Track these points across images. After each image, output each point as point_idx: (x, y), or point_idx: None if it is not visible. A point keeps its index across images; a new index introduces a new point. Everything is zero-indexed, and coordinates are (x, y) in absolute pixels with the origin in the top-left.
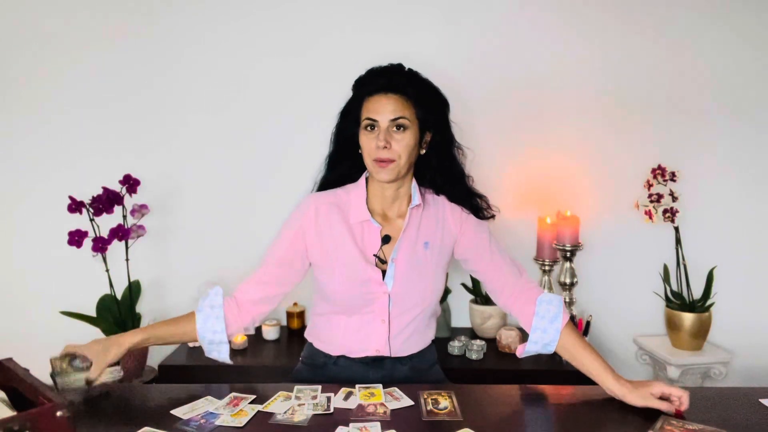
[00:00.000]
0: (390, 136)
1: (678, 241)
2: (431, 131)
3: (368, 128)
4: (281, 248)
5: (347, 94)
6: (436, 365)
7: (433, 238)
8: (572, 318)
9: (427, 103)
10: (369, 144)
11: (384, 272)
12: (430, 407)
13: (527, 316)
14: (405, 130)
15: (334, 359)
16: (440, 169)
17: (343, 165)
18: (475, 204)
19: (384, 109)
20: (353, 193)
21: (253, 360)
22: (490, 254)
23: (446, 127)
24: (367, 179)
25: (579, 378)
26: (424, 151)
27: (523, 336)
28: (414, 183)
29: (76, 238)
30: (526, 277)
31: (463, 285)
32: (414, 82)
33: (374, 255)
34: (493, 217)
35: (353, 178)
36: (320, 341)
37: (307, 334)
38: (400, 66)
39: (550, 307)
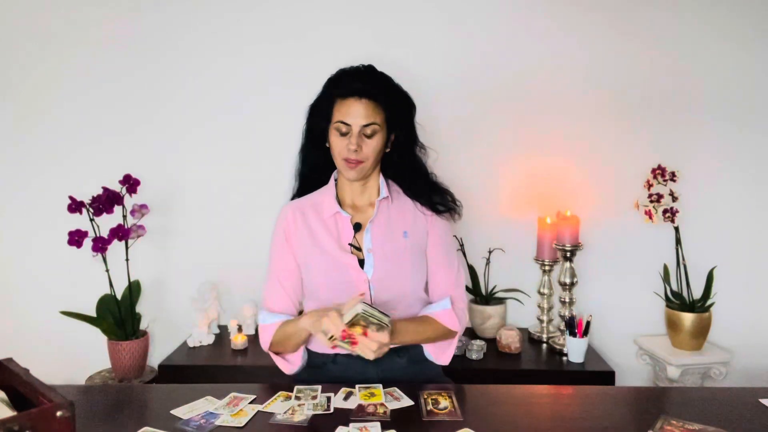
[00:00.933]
0: (361, 140)
1: (678, 241)
2: (396, 132)
3: (340, 131)
4: (277, 253)
5: None
6: None
7: (410, 227)
8: (572, 318)
9: (396, 108)
10: (340, 145)
11: (362, 261)
12: (430, 407)
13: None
14: (375, 135)
15: (331, 358)
16: (402, 165)
17: (316, 156)
18: (434, 199)
19: (357, 114)
20: (326, 193)
21: (253, 360)
22: (440, 255)
23: (411, 128)
24: (336, 180)
25: (579, 378)
26: (389, 149)
27: (523, 336)
28: (381, 177)
29: (76, 238)
30: (455, 297)
31: None
32: (386, 88)
33: (349, 244)
34: (452, 210)
35: (326, 173)
36: (314, 343)
37: None
38: (372, 69)
39: (434, 305)
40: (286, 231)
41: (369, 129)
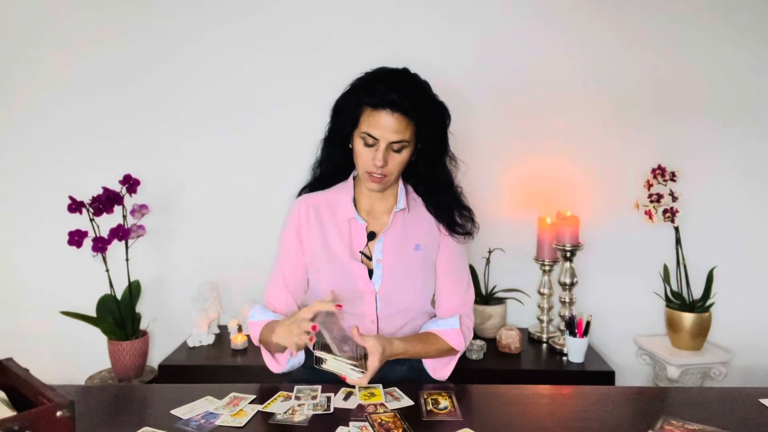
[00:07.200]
0: (388, 155)
1: (678, 241)
2: (425, 143)
3: (366, 141)
4: (285, 248)
5: None
6: None
7: (423, 240)
8: (572, 318)
9: (429, 121)
10: (365, 156)
11: (371, 271)
12: (430, 407)
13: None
14: (403, 149)
15: None
16: (427, 176)
17: (336, 154)
18: (456, 220)
19: (387, 127)
20: (342, 192)
21: (253, 360)
22: (451, 272)
23: (442, 139)
24: (354, 177)
25: (579, 378)
26: (414, 158)
27: (523, 336)
28: (401, 187)
29: (76, 238)
30: (463, 315)
31: None
32: (421, 101)
33: (360, 252)
34: (469, 234)
35: (344, 170)
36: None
37: None
38: (408, 76)
39: (442, 321)
40: (297, 226)
41: (397, 145)
